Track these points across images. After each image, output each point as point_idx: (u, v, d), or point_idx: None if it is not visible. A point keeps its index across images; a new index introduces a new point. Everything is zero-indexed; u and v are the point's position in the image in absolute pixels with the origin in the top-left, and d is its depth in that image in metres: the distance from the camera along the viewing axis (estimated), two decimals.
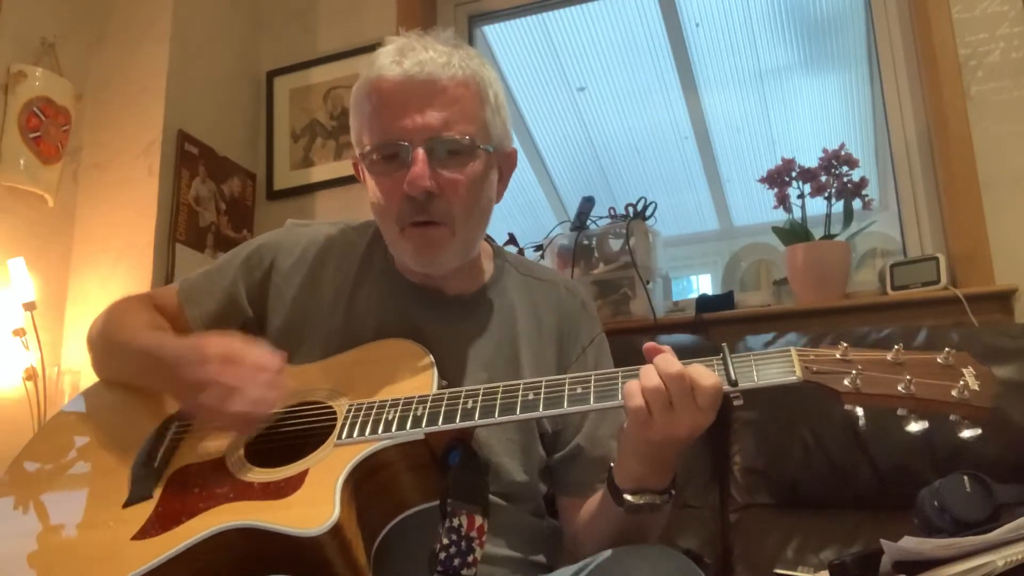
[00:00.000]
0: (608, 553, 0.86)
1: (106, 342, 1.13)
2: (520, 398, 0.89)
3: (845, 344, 0.85)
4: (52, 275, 2.18)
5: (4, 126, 2.06)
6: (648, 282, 2.08)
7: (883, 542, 0.90)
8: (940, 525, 0.99)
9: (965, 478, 1.01)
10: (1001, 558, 0.82)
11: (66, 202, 2.25)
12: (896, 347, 0.84)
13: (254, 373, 0.92)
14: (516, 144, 1.16)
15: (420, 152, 0.97)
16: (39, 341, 2.03)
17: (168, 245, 2.19)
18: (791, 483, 1.58)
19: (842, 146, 2.00)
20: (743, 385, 0.84)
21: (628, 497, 0.90)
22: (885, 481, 1.48)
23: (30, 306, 1.99)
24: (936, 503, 1.01)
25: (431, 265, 1.05)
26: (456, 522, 0.87)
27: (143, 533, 0.88)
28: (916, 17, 2.09)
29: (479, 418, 0.89)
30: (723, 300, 2.11)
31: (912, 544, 0.86)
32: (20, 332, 1.99)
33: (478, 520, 0.88)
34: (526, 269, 1.20)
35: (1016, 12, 1.94)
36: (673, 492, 0.92)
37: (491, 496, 0.96)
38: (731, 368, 0.85)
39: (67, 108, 2.18)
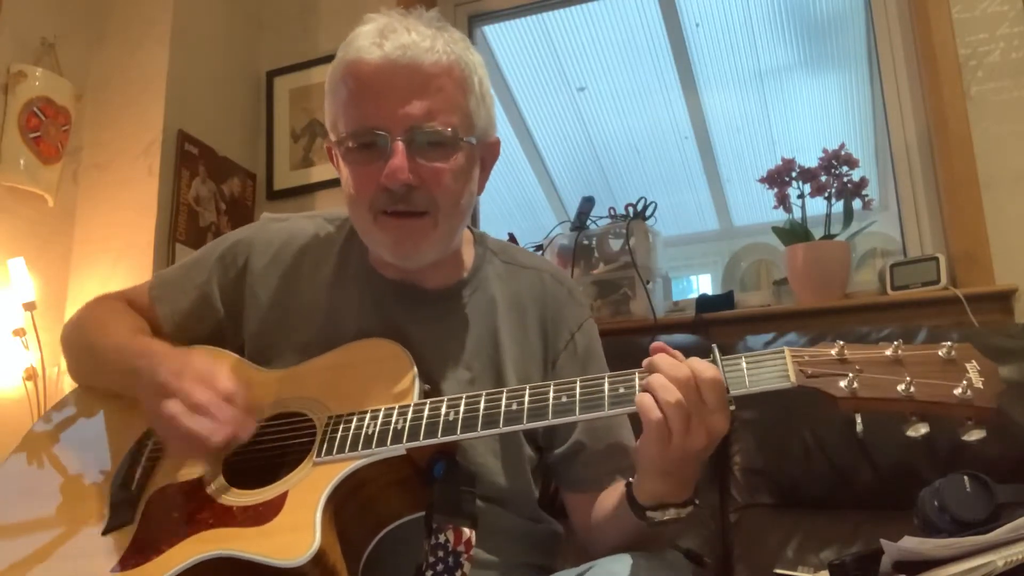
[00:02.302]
0: (604, 562, 0.85)
1: (82, 343, 1.10)
2: (503, 409, 0.86)
3: (841, 342, 0.82)
4: (52, 275, 2.18)
5: (4, 126, 2.06)
6: (648, 282, 2.08)
7: (883, 542, 0.90)
8: (940, 525, 0.99)
9: (965, 478, 1.01)
10: (1001, 558, 0.82)
11: (66, 202, 2.25)
12: (895, 343, 0.81)
13: (221, 402, 0.88)
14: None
15: (399, 144, 0.92)
16: (39, 341, 2.03)
17: (168, 245, 2.19)
18: (791, 483, 1.58)
19: (842, 146, 2.00)
20: (734, 392, 0.80)
21: (650, 514, 0.86)
22: (885, 481, 1.48)
23: (30, 306, 1.99)
24: (936, 503, 1.01)
25: (408, 260, 1.00)
26: (443, 538, 0.85)
27: (123, 563, 0.86)
28: (916, 17, 2.09)
29: (461, 431, 0.86)
30: (723, 300, 2.11)
31: (912, 544, 0.86)
32: (20, 332, 1.99)
33: (465, 533, 0.86)
34: (508, 256, 1.13)
35: (1016, 12, 1.94)
36: (696, 502, 0.88)
37: (479, 500, 0.93)
38: (722, 373, 0.81)
39: (67, 108, 2.18)
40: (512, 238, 2.25)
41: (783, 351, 0.82)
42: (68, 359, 1.13)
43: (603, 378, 0.86)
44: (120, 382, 1.02)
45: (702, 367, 0.80)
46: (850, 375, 0.79)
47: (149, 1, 2.35)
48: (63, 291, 2.22)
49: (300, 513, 0.83)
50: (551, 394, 0.86)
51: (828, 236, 2.00)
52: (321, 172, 2.50)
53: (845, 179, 1.99)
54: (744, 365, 0.82)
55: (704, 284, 3.66)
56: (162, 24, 2.31)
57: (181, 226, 2.23)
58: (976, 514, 0.98)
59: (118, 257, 2.20)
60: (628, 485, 0.90)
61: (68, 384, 2.09)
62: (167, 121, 2.24)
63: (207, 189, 2.35)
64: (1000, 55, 1.94)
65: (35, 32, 2.18)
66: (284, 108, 2.59)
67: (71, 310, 2.19)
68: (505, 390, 0.88)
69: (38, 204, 2.15)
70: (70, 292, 2.22)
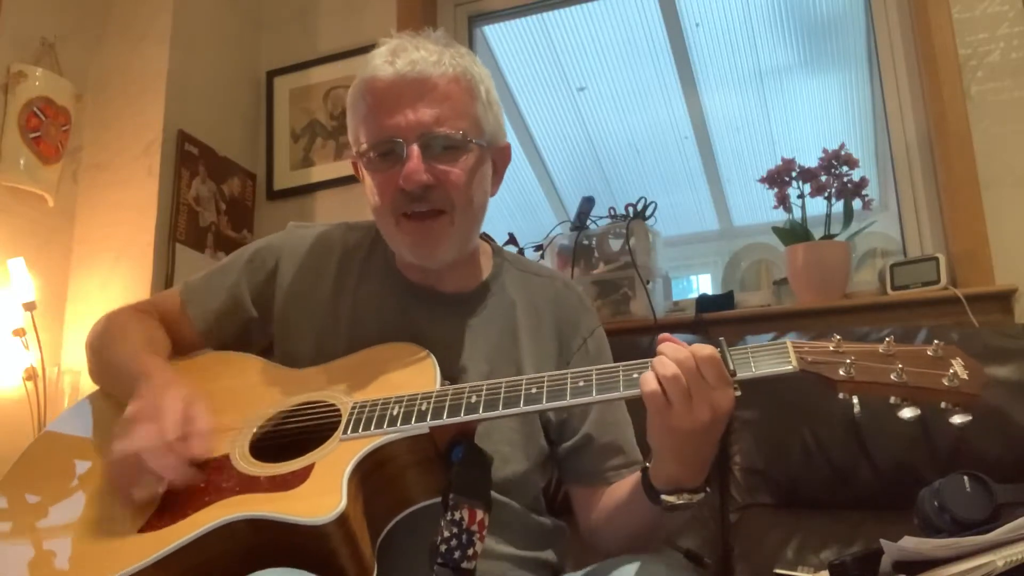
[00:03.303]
0: (606, 564, 0.87)
1: (99, 352, 1.15)
2: (523, 392, 0.90)
3: (838, 337, 0.86)
4: (52, 275, 2.18)
5: (4, 126, 2.06)
6: (648, 282, 2.08)
7: (883, 542, 0.90)
8: (940, 525, 0.99)
9: (965, 478, 1.01)
10: (1001, 558, 0.82)
11: (66, 202, 2.25)
12: (887, 339, 0.86)
13: (161, 451, 0.90)
14: (514, 140, 1.18)
15: (414, 148, 1.00)
16: (39, 341, 2.03)
17: (168, 245, 2.19)
18: (791, 483, 1.58)
19: (842, 146, 2.00)
20: (741, 375, 0.85)
21: (665, 497, 0.91)
22: (885, 481, 1.48)
23: (30, 306, 1.99)
24: (936, 503, 1.00)
25: (429, 258, 1.06)
26: (458, 515, 0.88)
27: (149, 526, 0.88)
28: (916, 17, 2.09)
29: (483, 411, 0.90)
30: (723, 300, 2.12)
31: (912, 544, 0.86)
32: (20, 332, 1.99)
33: (479, 514, 0.89)
34: (523, 266, 1.22)
35: (1016, 12, 1.94)
36: (708, 490, 0.92)
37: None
38: (729, 359, 0.86)
39: (67, 108, 2.18)
40: (512, 238, 2.26)
41: (785, 342, 0.88)
42: (88, 363, 1.18)
43: (618, 366, 0.91)
44: (123, 394, 1.05)
45: (700, 347, 0.86)
46: (847, 362, 0.85)
47: (149, 1, 2.35)
48: (63, 291, 2.22)
49: (327, 480, 0.86)
50: (569, 379, 0.90)
51: (828, 236, 2.00)
52: (321, 172, 2.50)
53: (845, 179, 1.98)
54: (749, 352, 0.88)
55: (704, 284, 3.65)
56: (162, 24, 2.31)
57: (181, 226, 2.23)
58: (976, 514, 0.98)
59: (118, 257, 2.20)
60: (644, 470, 0.94)
61: (68, 384, 2.10)
62: (167, 121, 2.24)
63: (207, 189, 2.35)
64: (1000, 55, 1.94)
65: (35, 32, 2.18)
66: (284, 108, 2.60)
67: (71, 310, 2.20)
68: (524, 377, 0.93)
69: (38, 204, 2.15)
70: (70, 292, 2.22)
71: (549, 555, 1.10)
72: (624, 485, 1.04)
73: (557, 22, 3.06)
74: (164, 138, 2.23)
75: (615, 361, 1.15)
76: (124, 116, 2.29)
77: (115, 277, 2.17)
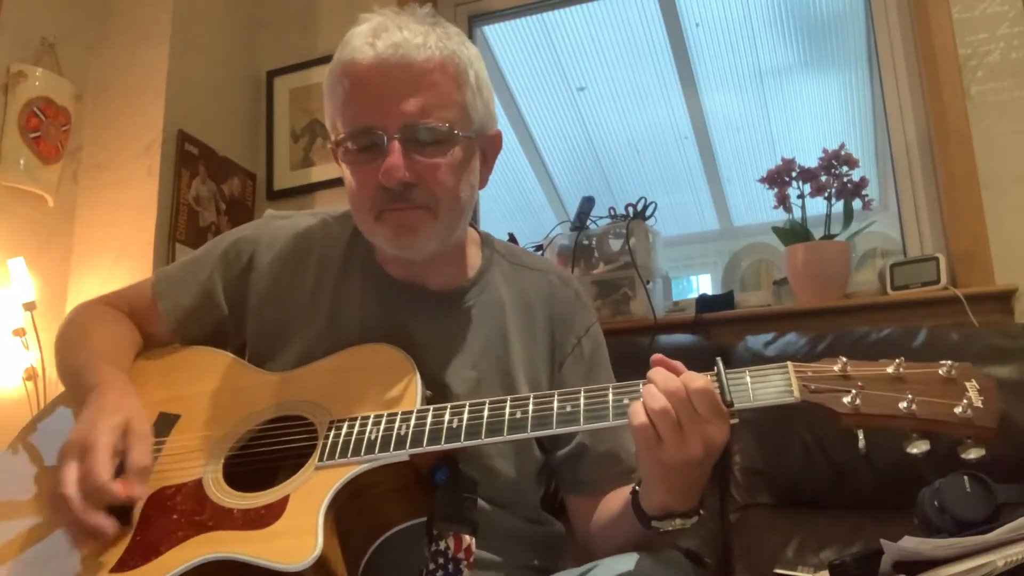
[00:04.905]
0: (607, 561, 0.85)
1: (61, 355, 1.09)
2: (507, 417, 0.86)
3: (844, 358, 0.82)
4: (52, 275, 2.18)
5: (4, 126, 2.06)
6: (648, 282, 2.08)
7: (883, 542, 0.90)
8: (940, 525, 0.99)
9: (965, 478, 1.01)
10: (1001, 558, 0.82)
11: (66, 202, 2.25)
12: (897, 360, 0.81)
13: (78, 497, 0.83)
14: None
15: (395, 143, 0.91)
16: (39, 341, 2.03)
17: (168, 245, 2.19)
18: (791, 483, 1.58)
19: (842, 146, 2.00)
20: (739, 405, 0.80)
21: (656, 523, 0.86)
22: (885, 481, 1.48)
23: (30, 306, 1.99)
24: (936, 503, 1.00)
25: (409, 249, 0.98)
26: (443, 545, 0.85)
27: (123, 565, 0.85)
28: (916, 17, 2.09)
29: (465, 439, 0.86)
30: (723, 300, 2.12)
31: (912, 544, 0.86)
32: (20, 332, 1.99)
33: (465, 540, 0.86)
34: (515, 258, 1.13)
35: (1016, 12, 1.94)
36: (701, 512, 0.87)
37: (482, 502, 0.94)
38: (726, 388, 0.80)
39: (67, 108, 2.18)
40: (512, 238, 2.25)
41: (786, 366, 0.82)
42: (55, 363, 1.12)
43: (607, 389, 0.86)
44: (77, 404, 0.99)
45: (693, 377, 0.80)
46: (853, 391, 0.79)
47: (149, 1, 2.35)
48: (63, 291, 2.22)
49: (302, 517, 0.83)
50: (555, 404, 0.86)
51: (828, 236, 2.00)
52: (321, 172, 2.50)
53: (845, 179, 1.99)
54: (748, 380, 0.82)
55: (704, 284, 3.65)
56: (162, 24, 2.31)
57: (181, 226, 2.23)
58: (976, 514, 0.98)
59: (118, 257, 2.20)
60: (634, 494, 0.89)
61: None
62: (167, 121, 2.24)
63: (207, 189, 2.35)
64: (1000, 55, 1.94)
65: (35, 32, 2.18)
66: (284, 108, 2.60)
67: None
68: (509, 398, 0.88)
69: (38, 204, 2.15)
70: (70, 292, 2.22)
71: (546, 560, 1.07)
72: (616, 500, 1.00)
73: (557, 22, 3.06)
74: (164, 138, 2.23)
75: (612, 360, 1.12)
76: (124, 116, 2.29)
77: (115, 277, 2.17)
